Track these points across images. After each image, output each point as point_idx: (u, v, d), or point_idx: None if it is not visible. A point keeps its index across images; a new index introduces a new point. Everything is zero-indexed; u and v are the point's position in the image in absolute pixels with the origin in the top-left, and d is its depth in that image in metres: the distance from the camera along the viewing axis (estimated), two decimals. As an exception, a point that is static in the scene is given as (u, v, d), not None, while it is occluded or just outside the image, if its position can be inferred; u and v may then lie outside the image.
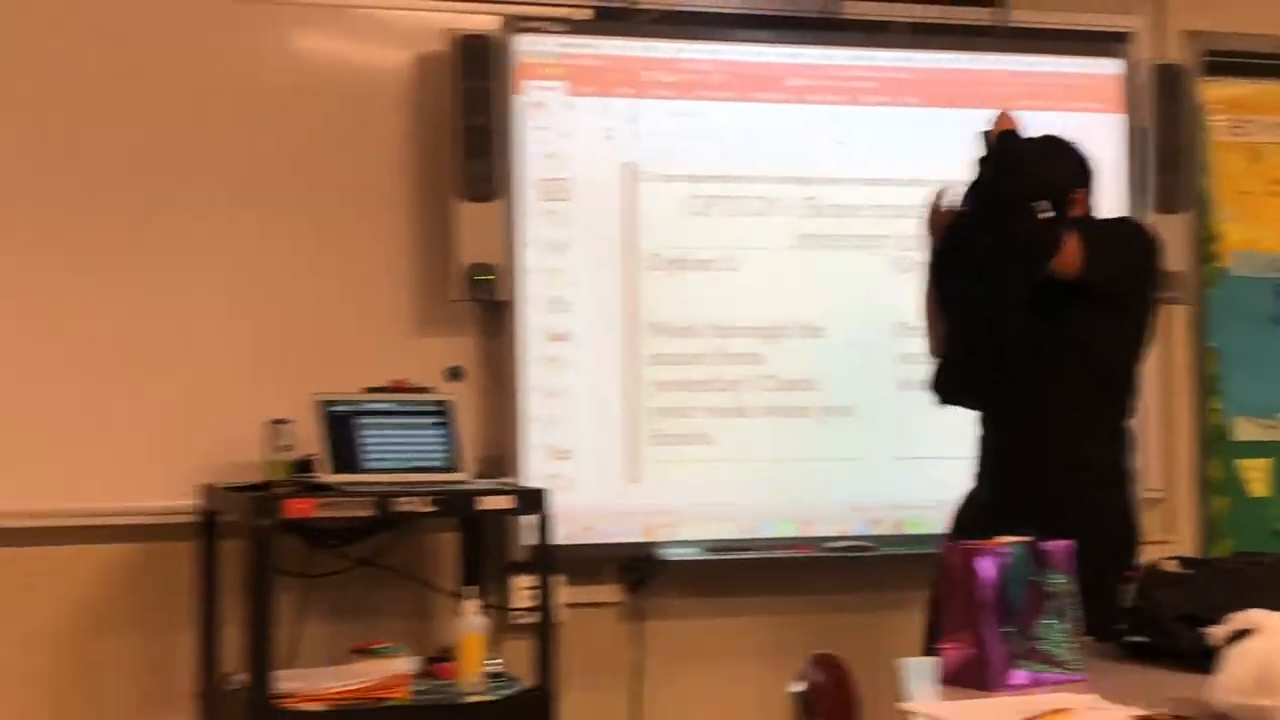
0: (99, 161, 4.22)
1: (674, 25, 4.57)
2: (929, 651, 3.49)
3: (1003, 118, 3.76)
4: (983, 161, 3.71)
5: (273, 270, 4.31)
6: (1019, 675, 2.75)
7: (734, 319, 4.52)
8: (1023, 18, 4.81)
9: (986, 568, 2.76)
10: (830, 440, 4.55)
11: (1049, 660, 2.78)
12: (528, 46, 4.40)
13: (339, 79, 4.38)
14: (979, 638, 2.76)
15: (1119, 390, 3.76)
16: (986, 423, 3.84)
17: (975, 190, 3.72)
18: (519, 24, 4.41)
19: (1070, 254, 3.61)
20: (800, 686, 3.11)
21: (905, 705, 2.69)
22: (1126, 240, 3.78)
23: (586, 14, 4.52)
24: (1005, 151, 3.71)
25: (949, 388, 3.83)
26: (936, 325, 3.94)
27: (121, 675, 4.23)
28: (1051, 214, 3.65)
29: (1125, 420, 3.77)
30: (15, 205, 4.17)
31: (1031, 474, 3.69)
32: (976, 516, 3.75)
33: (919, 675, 2.90)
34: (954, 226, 3.81)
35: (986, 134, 3.73)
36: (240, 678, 3.90)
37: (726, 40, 4.59)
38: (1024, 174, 3.69)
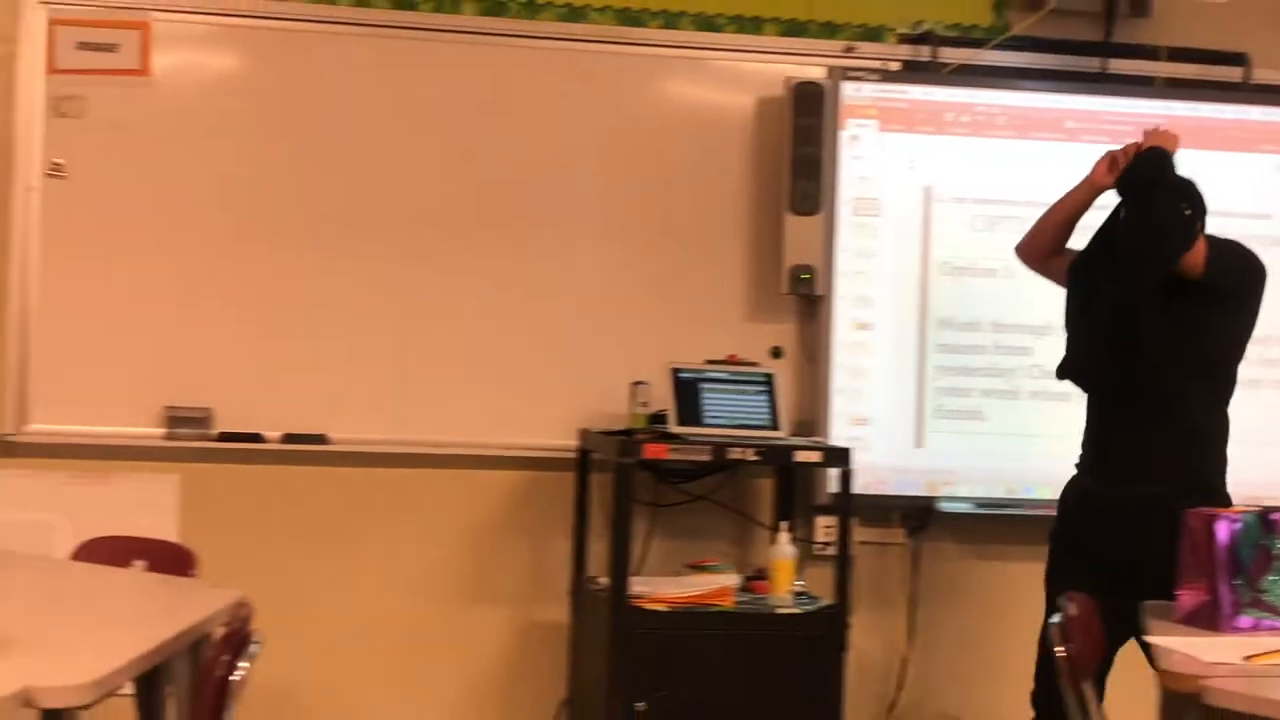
0: (528, 189, 4.43)
1: (969, 76, 4.59)
2: (1050, 584, 3.53)
3: (1165, 134, 3.72)
4: (1138, 159, 3.68)
5: (642, 267, 4.46)
6: (1244, 620, 2.78)
7: (1009, 317, 4.51)
8: (1265, 76, 4.72)
9: (1223, 530, 2.80)
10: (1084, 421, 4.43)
11: (1271, 610, 2.79)
12: (849, 92, 4.47)
13: (696, 116, 4.49)
14: (1213, 587, 2.80)
15: (1224, 380, 3.63)
16: (1096, 407, 3.71)
17: (1128, 183, 3.66)
18: (842, 73, 4.47)
19: (1198, 253, 3.53)
20: (1058, 619, 3.15)
21: (1149, 638, 2.76)
22: (1241, 254, 3.67)
23: (896, 66, 4.58)
24: (1157, 156, 3.67)
25: (1068, 367, 3.72)
26: (1045, 227, 3.86)
27: (513, 572, 4.43)
28: (1189, 213, 3.54)
29: (1226, 406, 3.63)
30: (474, 236, 4.40)
31: (1144, 455, 3.55)
32: (1081, 499, 3.66)
33: (1159, 615, 2.94)
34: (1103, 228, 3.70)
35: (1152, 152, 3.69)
36: (603, 580, 4.08)
37: (1013, 89, 4.59)
38: (1172, 174, 3.63)
